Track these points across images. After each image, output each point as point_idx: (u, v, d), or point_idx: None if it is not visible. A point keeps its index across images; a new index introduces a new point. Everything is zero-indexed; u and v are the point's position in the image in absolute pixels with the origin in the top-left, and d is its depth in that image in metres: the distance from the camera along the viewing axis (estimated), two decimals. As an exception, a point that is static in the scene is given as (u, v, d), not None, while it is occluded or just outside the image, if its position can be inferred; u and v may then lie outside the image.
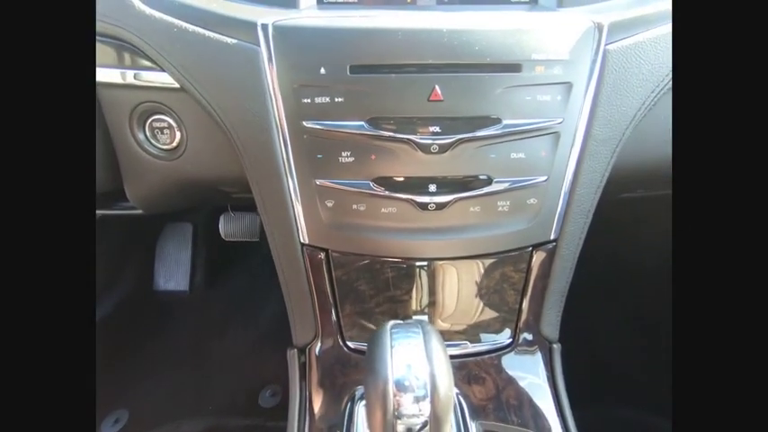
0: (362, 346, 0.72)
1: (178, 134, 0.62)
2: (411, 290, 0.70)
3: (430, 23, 0.55)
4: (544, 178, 0.59)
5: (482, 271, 0.68)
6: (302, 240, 0.63)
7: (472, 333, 0.73)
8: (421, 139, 0.56)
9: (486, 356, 0.72)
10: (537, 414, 0.68)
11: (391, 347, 0.50)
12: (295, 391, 0.70)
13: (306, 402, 0.69)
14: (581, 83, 0.56)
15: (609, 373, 1.16)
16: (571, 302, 0.71)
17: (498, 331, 0.73)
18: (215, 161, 0.64)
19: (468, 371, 0.71)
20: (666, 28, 0.57)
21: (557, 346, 0.72)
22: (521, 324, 0.72)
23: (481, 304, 0.71)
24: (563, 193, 0.61)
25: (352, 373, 0.71)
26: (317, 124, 0.56)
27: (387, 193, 0.58)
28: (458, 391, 0.68)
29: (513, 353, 0.72)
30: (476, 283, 0.69)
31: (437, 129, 0.55)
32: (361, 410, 0.66)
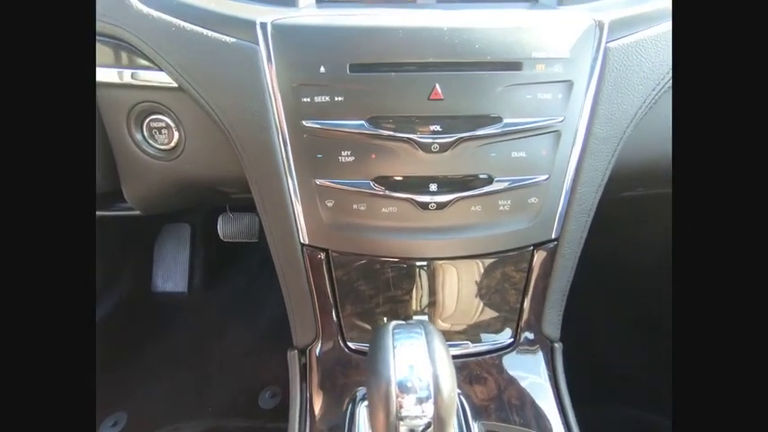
0: (363, 346, 0.71)
1: (176, 134, 0.62)
2: (412, 290, 0.69)
3: (430, 22, 0.54)
4: (545, 177, 0.59)
5: (483, 270, 0.68)
6: (302, 240, 0.63)
7: (473, 333, 0.72)
8: (421, 138, 0.55)
9: (488, 356, 0.72)
10: (539, 414, 0.68)
11: (393, 348, 0.50)
12: (296, 393, 0.70)
13: (306, 404, 0.69)
14: (582, 81, 0.56)
15: (609, 373, 1.16)
16: (571, 302, 0.71)
17: (499, 331, 0.72)
18: (213, 161, 0.63)
19: (470, 371, 0.71)
20: (667, 26, 0.57)
21: (558, 346, 0.72)
22: (522, 324, 0.71)
23: (482, 304, 0.71)
24: (564, 192, 0.60)
25: (352, 374, 0.70)
26: (317, 123, 0.56)
27: (387, 192, 0.58)
28: (459, 391, 0.68)
29: (514, 352, 0.72)
30: (476, 282, 0.69)
31: (437, 128, 0.55)
32: (362, 412, 0.65)
